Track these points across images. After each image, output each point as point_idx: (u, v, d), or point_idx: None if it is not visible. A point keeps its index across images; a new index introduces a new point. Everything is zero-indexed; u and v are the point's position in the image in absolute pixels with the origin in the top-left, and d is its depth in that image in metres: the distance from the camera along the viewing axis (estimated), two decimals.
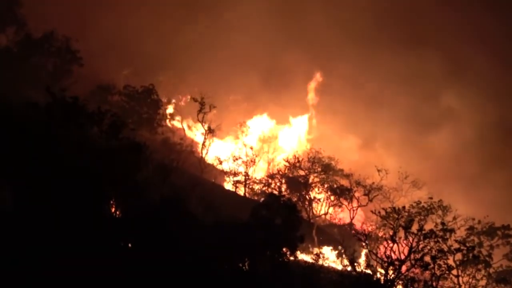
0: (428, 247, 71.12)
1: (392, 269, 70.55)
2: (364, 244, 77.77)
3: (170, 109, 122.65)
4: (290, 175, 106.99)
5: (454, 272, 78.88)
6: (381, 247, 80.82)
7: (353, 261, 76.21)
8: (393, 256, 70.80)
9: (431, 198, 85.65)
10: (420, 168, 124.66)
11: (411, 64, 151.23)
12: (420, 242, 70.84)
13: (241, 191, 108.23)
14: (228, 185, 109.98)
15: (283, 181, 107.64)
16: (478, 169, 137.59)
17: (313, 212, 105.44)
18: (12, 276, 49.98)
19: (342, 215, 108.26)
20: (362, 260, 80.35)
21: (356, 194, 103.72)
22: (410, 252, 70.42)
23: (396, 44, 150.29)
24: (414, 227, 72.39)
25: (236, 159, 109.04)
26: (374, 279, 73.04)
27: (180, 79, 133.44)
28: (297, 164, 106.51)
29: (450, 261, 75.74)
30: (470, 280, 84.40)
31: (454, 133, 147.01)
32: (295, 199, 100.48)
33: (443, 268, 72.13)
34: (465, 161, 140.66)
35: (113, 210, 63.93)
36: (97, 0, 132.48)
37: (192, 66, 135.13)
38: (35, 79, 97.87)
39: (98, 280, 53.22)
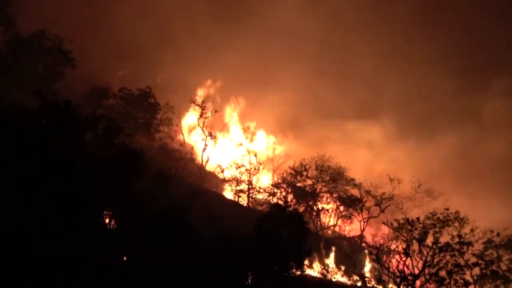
0: (444, 261, 70.46)
1: (405, 285, 69.74)
2: (375, 257, 77.06)
3: (168, 114, 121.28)
4: (297, 184, 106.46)
5: None
6: (394, 261, 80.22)
7: (363, 276, 75.73)
8: (406, 271, 70.15)
9: (447, 209, 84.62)
10: (437, 178, 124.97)
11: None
12: (435, 256, 70.25)
13: (244, 200, 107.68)
14: (230, 194, 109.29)
15: (289, 190, 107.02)
16: (498, 179, 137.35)
17: (321, 224, 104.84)
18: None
19: (352, 227, 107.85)
20: (372, 274, 79.77)
21: (367, 205, 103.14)
22: (424, 266, 69.80)
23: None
24: (429, 240, 71.82)
25: (239, 166, 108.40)
26: None
27: (179, 82, 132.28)
28: (304, 173, 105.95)
29: (467, 276, 75.06)
30: None
31: (476, 146, 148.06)
32: (302, 209, 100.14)
33: (459, 284, 71.29)
34: (484, 172, 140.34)
35: (107, 221, 63.44)
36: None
37: (193, 69, 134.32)
38: (25, 81, 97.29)
39: None
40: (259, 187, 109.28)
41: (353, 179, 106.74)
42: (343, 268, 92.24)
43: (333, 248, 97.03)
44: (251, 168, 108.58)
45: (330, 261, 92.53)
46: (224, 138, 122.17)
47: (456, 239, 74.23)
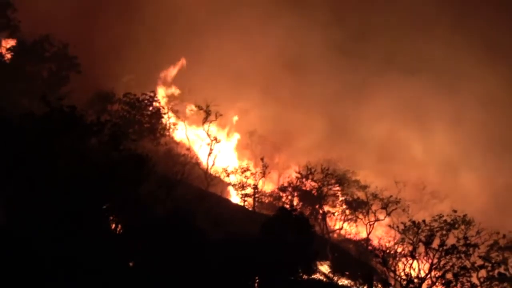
0: (450, 264, 70.80)
1: None
2: (381, 260, 77.25)
3: (173, 119, 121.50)
4: (303, 188, 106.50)
5: None
6: (400, 263, 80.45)
7: (370, 279, 75.90)
8: (413, 274, 70.52)
9: (455, 211, 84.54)
10: (442, 180, 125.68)
11: None
12: (442, 258, 70.56)
13: (249, 204, 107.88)
14: (236, 199, 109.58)
15: (295, 194, 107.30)
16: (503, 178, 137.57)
17: (327, 227, 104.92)
18: None
19: (358, 230, 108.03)
20: (379, 277, 79.97)
21: (373, 208, 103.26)
22: (431, 269, 70.23)
23: None
24: (435, 243, 72.10)
25: (245, 170, 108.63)
26: None
27: (183, 86, 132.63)
28: (310, 176, 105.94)
29: (474, 279, 75.17)
30: None
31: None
32: (307, 213, 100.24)
33: (466, 286, 71.65)
34: (488, 171, 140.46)
35: (113, 226, 63.70)
36: (95, 4, 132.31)
37: (197, 73, 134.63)
38: (30, 87, 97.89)
39: None
40: (265, 191, 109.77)
41: (357, 181, 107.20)
42: (349, 271, 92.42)
43: (340, 252, 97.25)
44: (256, 172, 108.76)
45: (336, 264, 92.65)
46: (229, 141, 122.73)
47: (462, 241, 74.47)
